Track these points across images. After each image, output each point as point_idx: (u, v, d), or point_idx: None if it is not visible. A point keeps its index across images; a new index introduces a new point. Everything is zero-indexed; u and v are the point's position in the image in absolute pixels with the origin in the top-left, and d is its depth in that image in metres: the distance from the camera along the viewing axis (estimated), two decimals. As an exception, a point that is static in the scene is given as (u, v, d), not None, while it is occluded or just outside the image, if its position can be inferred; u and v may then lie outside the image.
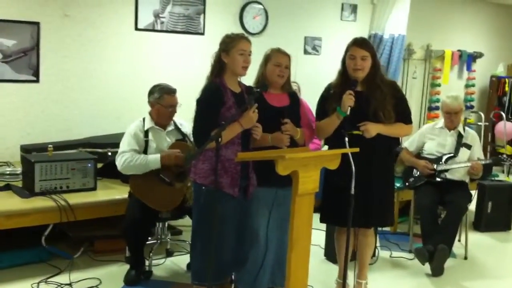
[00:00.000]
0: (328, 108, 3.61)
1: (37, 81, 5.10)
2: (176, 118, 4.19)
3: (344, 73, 3.66)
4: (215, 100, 3.23)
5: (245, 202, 3.39)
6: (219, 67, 3.33)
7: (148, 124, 4.07)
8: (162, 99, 4.03)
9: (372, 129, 3.52)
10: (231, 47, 3.27)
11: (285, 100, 3.64)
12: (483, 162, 4.85)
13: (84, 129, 5.31)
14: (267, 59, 3.61)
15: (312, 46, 7.16)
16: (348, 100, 3.45)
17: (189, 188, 3.85)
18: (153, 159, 3.91)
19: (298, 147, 3.50)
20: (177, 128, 4.18)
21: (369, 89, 3.60)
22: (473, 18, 9.19)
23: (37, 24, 5.03)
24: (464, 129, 4.98)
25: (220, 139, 2.94)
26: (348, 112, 3.45)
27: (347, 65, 3.62)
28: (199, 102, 3.28)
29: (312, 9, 7.09)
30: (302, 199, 2.92)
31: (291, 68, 3.65)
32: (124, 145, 4.00)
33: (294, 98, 3.71)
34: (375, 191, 3.63)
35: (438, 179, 4.79)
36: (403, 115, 3.69)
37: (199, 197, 3.32)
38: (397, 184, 5.09)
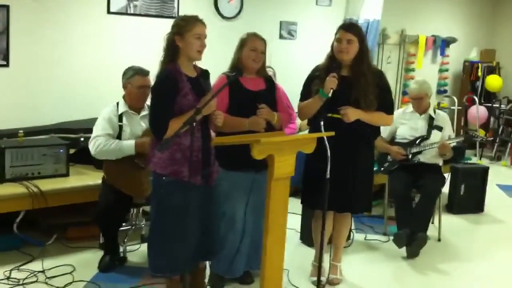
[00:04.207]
0: (312, 89, 3.61)
1: (7, 65, 4.97)
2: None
3: (332, 57, 3.65)
4: (169, 88, 3.06)
5: (209, 189, 3.26)
6: (172, 52, 3.16)
7: (122, 108, 4.00)
8: (132, 78, 3.95)
9: (351, 114, 3.52)
10: (186, 31, 3.09)
11: (261, 84, 3.63)
12: (456, 140, 4.93)
13: (55, 114, 5.19)
14: (242, 43, 3.58)
15: (287, 31, 7.12)
16: (331, 83, 3.44)
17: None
18: (128, 145, 3.87)
19: (275, 131, 3.49)
20: (151, 113, 4.12)
21: (354, 74, 3.59)
22: (447, 3, 9.24)
23: (6, 7, 4.89)
24: (434, 111, 5.03)
25: (194, 123, 2.89)
26: (330, 95, 3.44)
27: (334, 48, 3.62)
28: (154, 91, 3.16)
29: (288, -7, 7.06)
30: (277, 183, 2.91)
31: (267, 53, 3.62)
32: (97, 129, 3.93)
33: (270, 82, 3.70)
34: (352, 176, 3.64)
35: (412, 162, 4.83)
36: (385, 105, 3.70)
37: (159, 188, 3.16)
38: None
